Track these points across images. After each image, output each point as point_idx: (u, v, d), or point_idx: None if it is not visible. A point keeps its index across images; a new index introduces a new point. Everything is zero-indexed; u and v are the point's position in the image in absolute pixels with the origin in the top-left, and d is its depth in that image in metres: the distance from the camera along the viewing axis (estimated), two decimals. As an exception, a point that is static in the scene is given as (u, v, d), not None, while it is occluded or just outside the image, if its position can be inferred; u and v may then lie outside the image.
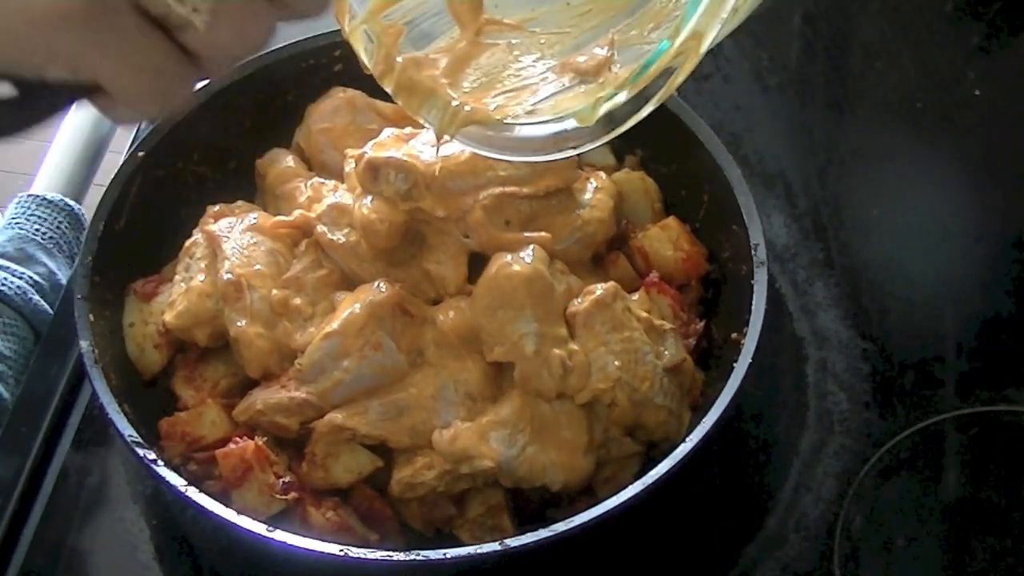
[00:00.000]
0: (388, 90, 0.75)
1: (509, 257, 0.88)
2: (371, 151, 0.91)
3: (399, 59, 0.73)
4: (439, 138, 0.73)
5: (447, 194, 0.90)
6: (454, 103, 0.73)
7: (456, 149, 0.90)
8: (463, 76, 0.75)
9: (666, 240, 0.98)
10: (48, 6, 0.56)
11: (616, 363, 0.87)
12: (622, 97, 0.68)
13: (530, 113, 0.73)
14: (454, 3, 0.75)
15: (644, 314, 0.91)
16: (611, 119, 0.69)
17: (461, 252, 0.91)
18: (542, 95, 0.73)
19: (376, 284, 0.89)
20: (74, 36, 0.56)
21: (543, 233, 0.91)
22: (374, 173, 0.90)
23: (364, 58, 0.74)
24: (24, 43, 0.56)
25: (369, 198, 0.91)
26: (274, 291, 0.91)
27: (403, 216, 0.90)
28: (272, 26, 0.59)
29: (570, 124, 0.71)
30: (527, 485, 0.87)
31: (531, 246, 0.89)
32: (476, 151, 0.76)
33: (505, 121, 0.73)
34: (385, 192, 0.90)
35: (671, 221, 1.00)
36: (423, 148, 0.91)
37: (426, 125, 0.74)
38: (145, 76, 0.59)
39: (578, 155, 0.75)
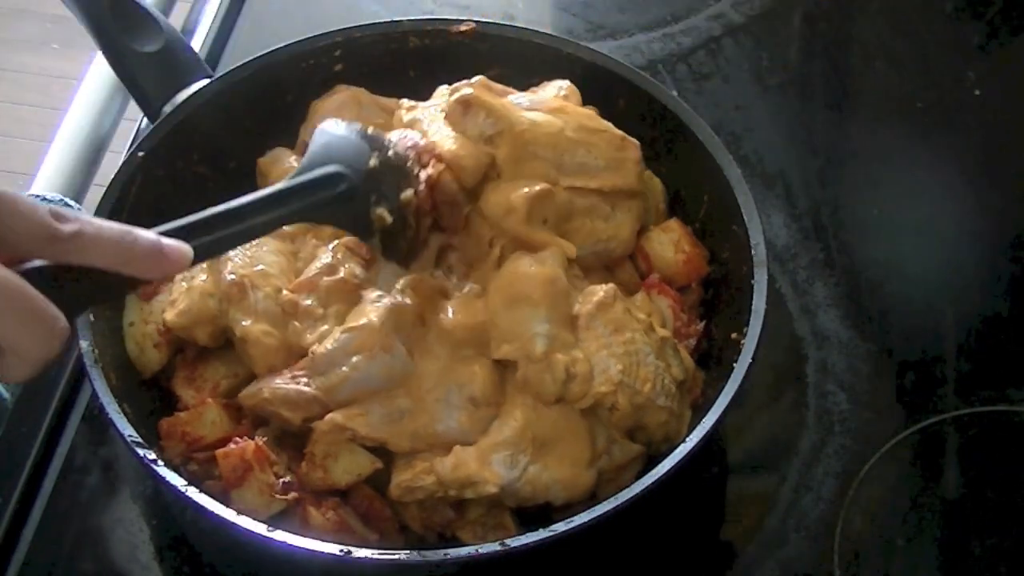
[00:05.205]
0: None
1: (529, 257, 0.89)
2: (470, 89, 0.92)
3: None
4: None
5: (523, 156, 0.91)
6: None
7: (549, 118, 0.93)
8: None
9: (667, 242, 0.98)
10: None
11: (618, 366, 0.87)
12: None
13: None
14: None
15: (643, 316, 0.91)
16: None
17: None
18: None
19: (402, 291, 0.89)
20: None
21: (567, 242, 0.92)
22: (464, 108, 0.92)
23: None
24: None
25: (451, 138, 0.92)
26: (284, 292, 0.91)
27: (488, 158, 0.91)
28: None
29: None
30: (530, 503, 0.87)
31: (551, 248, 0.90)
32: None
33: None
34: (469, 130, 0.92)
35: (673, 223, 0.99)
36: (519, 104, 0.94)
37: None
38: None
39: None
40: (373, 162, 0.85)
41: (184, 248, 0.71)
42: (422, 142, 0.90)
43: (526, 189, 0.91)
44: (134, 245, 0.68)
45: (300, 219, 0.84)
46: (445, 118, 0.94)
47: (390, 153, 0.87)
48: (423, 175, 0.88)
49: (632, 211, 0.97)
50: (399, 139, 0.89)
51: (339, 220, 0.87)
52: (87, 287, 0.68)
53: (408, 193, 0.86)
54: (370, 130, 0.88)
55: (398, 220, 0.86)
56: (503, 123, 0.91)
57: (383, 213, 0.85)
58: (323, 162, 0.83)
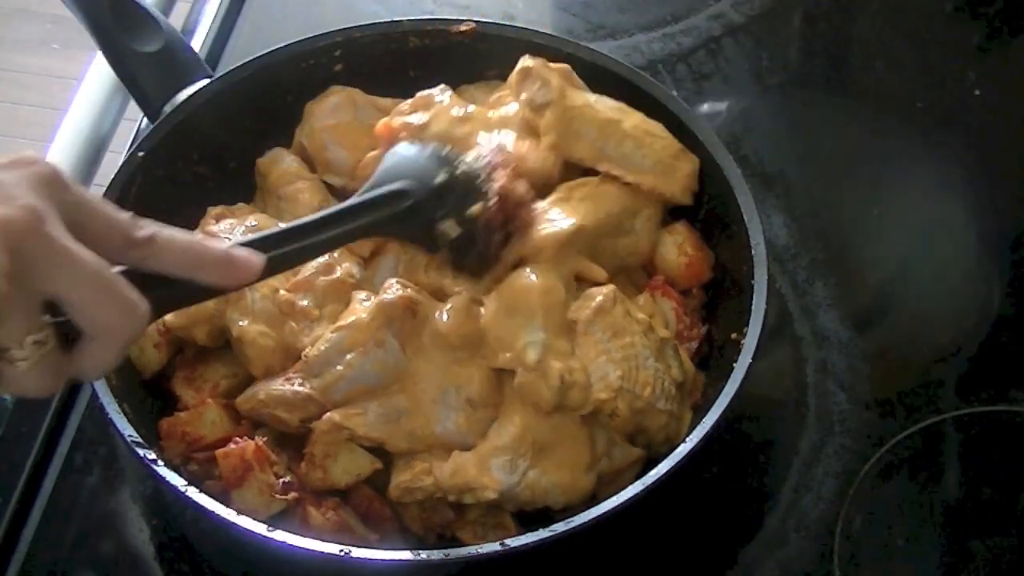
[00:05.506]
0: None
1: (528, 267, 0.89)
2: (534, 62, 0.96)
3: None
4: None
5: (568, 131, 0.94)
6: None
7: (608, 110, 0.95)
8: None
9: (671, 244, 0.98)
10: None
11: (617, 373, 0.87)
12: None
13: None
14: None
15: (643, 316, 0.91)
16: None
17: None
18: None
19: (392, 286, 0.89)
20: None
21: (598, 268, 0.92)
22: (524, 75, 0.96)
23: None
24: None
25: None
26: (281, 292, 0.91)
27: (560, 157, 0.95)
28: (63, 380, 0.67)
29: None
30: (529, 508, 0.87)
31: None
32: None
33: None
34: (522, 95, 0.95)
35: (679, 225, 0.99)
36: (582, 93, 0.97)
37: None
38: None
39: None
40: (440, 178, 0.88)
41: (254, 257, 0.73)
42: (498, 159, 0.91)
43: (556, 229, 0.91)
44: (204, 253, 0.71)
45: (367, 234, 0.87)
46: (510, 83, 0.98)
47: (459, 171, 0.89)
48: (494, 188, 0.89)
49: (651, 220, 0.97)
50: (474, 156, 0.91)
51: (406, 234, 0.90)
52: (164, 293, 0.70)
53: (476, 207, 0.88)
54: (445, 150, 0.91)
55: (465, 234, 0.88)
56: (555, 94, 0.94)
57: (447, 227, 0.87)
58: (391, 180, 0.87)
